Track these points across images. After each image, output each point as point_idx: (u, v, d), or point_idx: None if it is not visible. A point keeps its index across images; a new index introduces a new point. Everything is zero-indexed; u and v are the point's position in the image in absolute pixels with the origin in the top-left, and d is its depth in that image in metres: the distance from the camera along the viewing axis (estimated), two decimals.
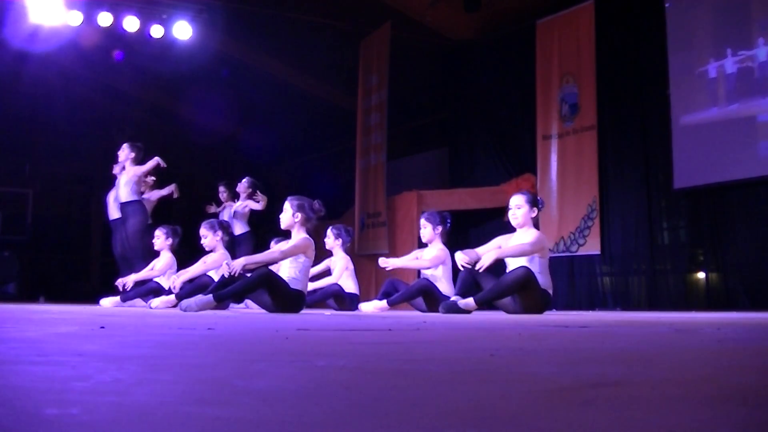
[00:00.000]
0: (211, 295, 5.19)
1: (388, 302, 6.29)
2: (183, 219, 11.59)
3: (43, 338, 2.09)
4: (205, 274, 7.00)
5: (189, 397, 0.96)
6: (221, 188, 9.17)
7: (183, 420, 0.79)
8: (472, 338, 2.35)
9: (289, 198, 5.44)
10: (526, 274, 5.13)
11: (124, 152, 8.16)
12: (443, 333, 2.65)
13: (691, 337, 2.41)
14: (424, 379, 1.18)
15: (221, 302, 5.32)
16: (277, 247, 5.60)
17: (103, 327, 2.63)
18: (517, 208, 5.40)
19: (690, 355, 1.75)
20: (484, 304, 5.35)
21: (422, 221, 6.52)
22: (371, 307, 6.30)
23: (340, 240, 7.15)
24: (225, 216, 8.78)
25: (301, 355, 1.65)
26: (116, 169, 8.22)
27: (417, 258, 6.58)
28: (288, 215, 5.34)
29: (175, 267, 7.52)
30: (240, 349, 1.82)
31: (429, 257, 6.39)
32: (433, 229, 6.42)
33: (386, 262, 6.50)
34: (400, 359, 1.55)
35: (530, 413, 0.85)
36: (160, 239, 7.53)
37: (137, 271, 7.87)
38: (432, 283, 6.29)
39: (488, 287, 5.29)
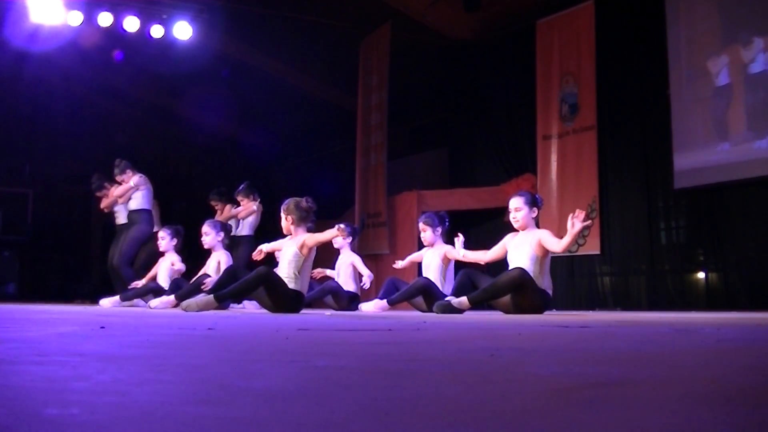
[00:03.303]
0: (212, 295, 5.20)
1: (388, 302, 6.29)
2: (182, 219, 11.58)
3: (43, 338, 2.09)
4: (204, 273, 7.02)
5: (189, 397, 0.96)
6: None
7: (183, 420, 0.79)
8: (472, 338, 2.35)
9: (281, 206, 5.49)
10: (521, 276, 5.12)
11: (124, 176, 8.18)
12: (443, 333, 2.65)
13: (691, 337, 2.41)
14: (424, 379, 1.18)
15: (222, 302, 5.33)
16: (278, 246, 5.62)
17: (103, 327, 2.63)
18: (516, 210, 5.38)
19: (690, 355, 1.75)
20: (477, 304, 5.34)
21: (421, 225, 6.53)
22: (372, 306, 6.30)
23: (349, 239, 7.20)
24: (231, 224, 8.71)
25: (301, 355, 1.65)
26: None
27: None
28: (283, 221, 5.42)
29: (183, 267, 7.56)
30: (240, 349, 1.82)
31: (450, 254, 6.32)
32: (434, 231, 6.45)
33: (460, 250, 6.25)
34: (400, 359, 1.55)
35: (530, 413, 0.85)
36: (165, 240, 7.54)
37: (125, 277, 7.88)
38: (432, 282, 6.30)
39: (483, 287, 5.31)
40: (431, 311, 6.20)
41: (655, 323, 3.57)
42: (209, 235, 7.05)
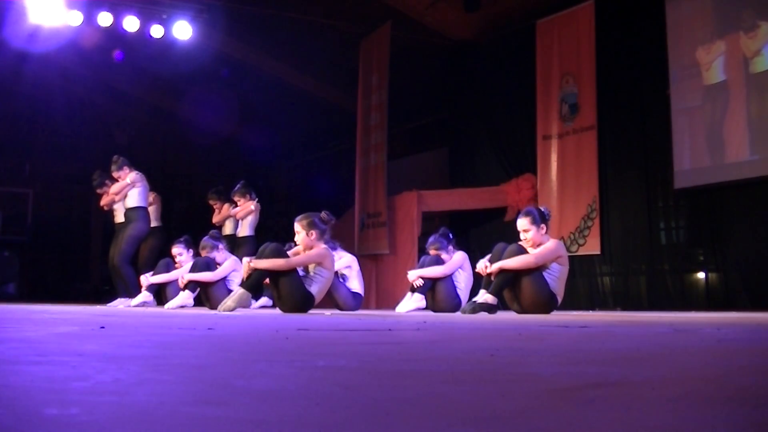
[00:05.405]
0: (242, 289, 5.29)
1: (420, 292, 6.36)
2: (182, 218, 11.58)
3: (43, 338, 2.09)
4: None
5: (189, 397, 0.96)
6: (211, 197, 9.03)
7: (183, 420, 0.79)
8: (472, 338, 2.35)
9: (296, 220, 5.52)
10: (519, 248, 5.22)
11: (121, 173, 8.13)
12: (443, 333, 2.65)
13: (691, 337, 2.41)
14: (424, 379, 1.18)
15: (254, 290, 5.42)
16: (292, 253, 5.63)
17: (103, 327, 2.63)
18: (525, 232, 5.36)
19: (690, 355, 1.75)
20: (499, 292, 5.30)
21: (432, 251, 6.58)
22: (413, 304, 6.33)
23: (336, 249, 7.15)
24: (229, 224, 8.71)
25: (301, 355, 1.65)
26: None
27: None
28: (302, 237, 5.46)
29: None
30: (240, 349, 1.82)
31: (448, 264, 6.47)
32: (446, 252, 6.56)
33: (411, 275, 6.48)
34: (400, 359, 1.55)
35: (530, 413, 0.85)
36: (184, 255, 7.55)
37: (126, 276, 7.84)
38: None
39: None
40: (433, 311, 6.27)
41: (655, 323, 3.57)
42: (216, 256, 7.11)
